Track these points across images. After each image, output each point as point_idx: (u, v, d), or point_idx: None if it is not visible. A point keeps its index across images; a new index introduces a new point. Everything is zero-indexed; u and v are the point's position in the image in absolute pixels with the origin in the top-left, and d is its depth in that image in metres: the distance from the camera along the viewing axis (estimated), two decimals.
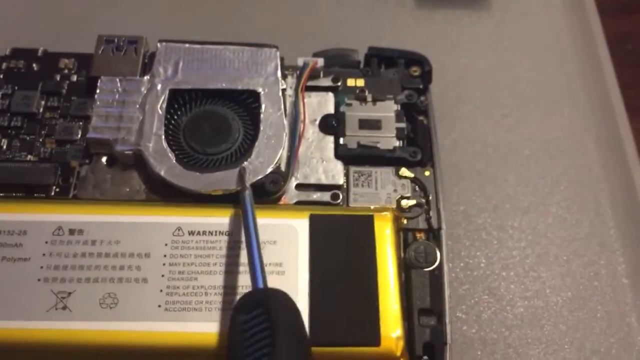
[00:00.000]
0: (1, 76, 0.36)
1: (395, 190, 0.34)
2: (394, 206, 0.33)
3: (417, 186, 0.34)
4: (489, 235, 0.38)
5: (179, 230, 0.30)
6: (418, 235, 0.33)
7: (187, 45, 0.35)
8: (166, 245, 0.30)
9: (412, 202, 0.33)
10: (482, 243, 0.38)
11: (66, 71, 0.36)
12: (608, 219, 0.39)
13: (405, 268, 0.32)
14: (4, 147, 0.34)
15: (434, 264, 0.32)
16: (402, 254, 0.32)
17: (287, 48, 0.36)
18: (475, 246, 0.38)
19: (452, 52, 0.45)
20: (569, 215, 0.39)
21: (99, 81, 0.34)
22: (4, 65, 0.36)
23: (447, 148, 0.40)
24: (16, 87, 0.35)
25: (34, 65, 0.36)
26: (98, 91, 0.34)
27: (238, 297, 0.28)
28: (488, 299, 0.36)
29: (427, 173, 0.34)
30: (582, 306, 0.36)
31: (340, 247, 0.30)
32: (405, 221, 0.33)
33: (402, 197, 0.33)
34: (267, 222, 0.30)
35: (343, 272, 0.30)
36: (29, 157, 0.33)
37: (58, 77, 0.36)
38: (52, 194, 0.32)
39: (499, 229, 0.38)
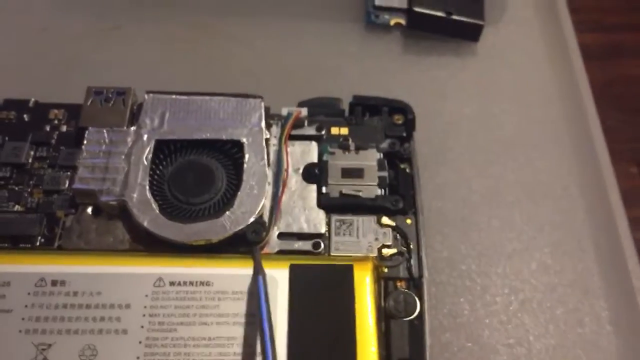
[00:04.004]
0: None
1: (376, 239, 0.34)
2: (375, 255, 0.33)
3: (398, 234, 0.34)
4: (473, 281, 0.38)
5: (160, 280, 0.30)
6: (399, 284, 0.33)
7: (173, 96, 0.36)
8: (147, 296, 0.30)
9: (393, 250, 0.34)
10: (466, 289, 0.38)
11: (56, 122, 0.37)
12: (592, 265, 0.39)
13: (385, 317, 0.32)
14: None
15: (413, 313, 0.32)
16: (383, 303, 0.32)
17: (274, 95, 0.37)
18: (459, 293, 0.38)
19: (438, 99, 0.45)
20: (553, 262, 0.39)
21: (87, 132, 0.34)
22: None
23: (432, 194, 0.41)
24: (7, 138, 0.36)
25: (25, 115, 0.37)
26: (85, 142, 0.34)
27: (215, 349, 0.29)
28: (472, 346, 0.36)
29: (408, 221, 0.35)
30: (566, 354, 0.36)
31: (320, 296, 0.31)
32: (385, 270, 0.33)
33: (384, 246, 0.34)
34: (248, 272, 0.31)
35: (322, 322, 0.30)
36: (17, 207, 0.34)
37: (48, 128, 0.37)
38: (37, 244, 0.33)
39: (482, 275, 0.38)
